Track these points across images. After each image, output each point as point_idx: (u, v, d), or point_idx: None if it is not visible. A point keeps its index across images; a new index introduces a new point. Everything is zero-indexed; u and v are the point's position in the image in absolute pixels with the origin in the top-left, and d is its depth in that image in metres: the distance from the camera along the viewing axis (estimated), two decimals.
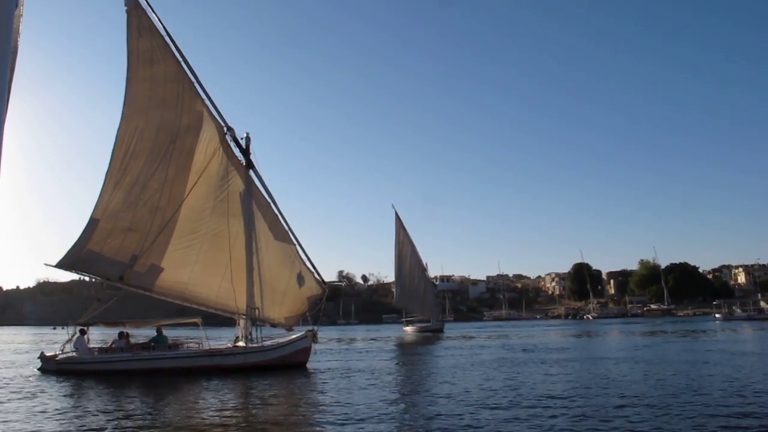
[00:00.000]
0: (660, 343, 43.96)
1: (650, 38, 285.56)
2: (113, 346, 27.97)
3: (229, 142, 29.04)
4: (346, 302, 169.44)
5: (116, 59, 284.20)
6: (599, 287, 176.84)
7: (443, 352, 40.03)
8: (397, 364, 32.59)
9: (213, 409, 17.27)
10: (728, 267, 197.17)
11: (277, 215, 29.99)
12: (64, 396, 20.21)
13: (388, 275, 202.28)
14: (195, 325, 30.59)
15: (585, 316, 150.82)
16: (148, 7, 27.46)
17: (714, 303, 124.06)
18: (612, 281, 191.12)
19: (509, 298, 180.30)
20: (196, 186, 28.27)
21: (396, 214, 74.56)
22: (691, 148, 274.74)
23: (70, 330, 27.94)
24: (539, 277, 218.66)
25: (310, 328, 29.79)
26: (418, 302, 77.41)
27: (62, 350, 27.87)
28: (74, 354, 27.41)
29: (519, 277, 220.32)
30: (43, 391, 20.96)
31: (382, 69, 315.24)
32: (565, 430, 13.12)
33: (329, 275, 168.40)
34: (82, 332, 27.79)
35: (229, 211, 29.02)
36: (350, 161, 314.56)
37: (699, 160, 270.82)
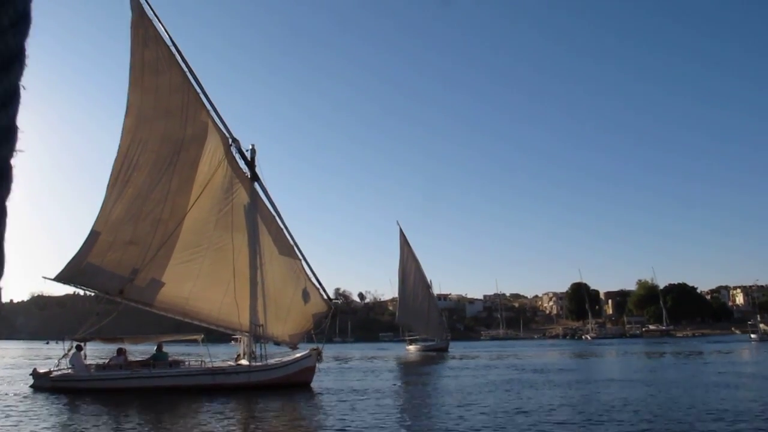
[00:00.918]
0: (682, 364, 43.00)
1: (658, 53, 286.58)
2: (111, 362, 27.03)
3: (234, 153, 28.34)
4: (342, 320, 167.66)
5: (115, 71, 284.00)
6: (597, 307, 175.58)
7: (450, 372, 39.05)
8: (405, 384, 31.72)
9: (215, 431, 16.39)
10: (726, 288, 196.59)
11: (282, 229, 29.23)
12: (59, 415, 19.35)
13: (385, 293, 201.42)
14: (195, 341, 29.75)
15: (583, 336, 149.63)
16: (155, 17, 26.91)
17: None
18: (610, 301, 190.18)
19: (506, 317, 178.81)
20: (200, 198, 27.51)
21: (401, 230, 73.73)
22: (690, 169, 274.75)
23: (65, 345, 27.05)
24: (536, 296, 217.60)
25: (314, 346, 28.95)
26: (422, 320, 75.86)
27: (57, 366, 26.88)
28: (70, 371, 26.45)
29: (516, 296, 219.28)
30: (36, 411, 20.06)
31: (383, 85, 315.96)
32: None
33: None
34: (79, 348, 26.88)
35: (233, 224, 28.24)
36: (348, 178, 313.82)
37: (698, 180, 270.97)
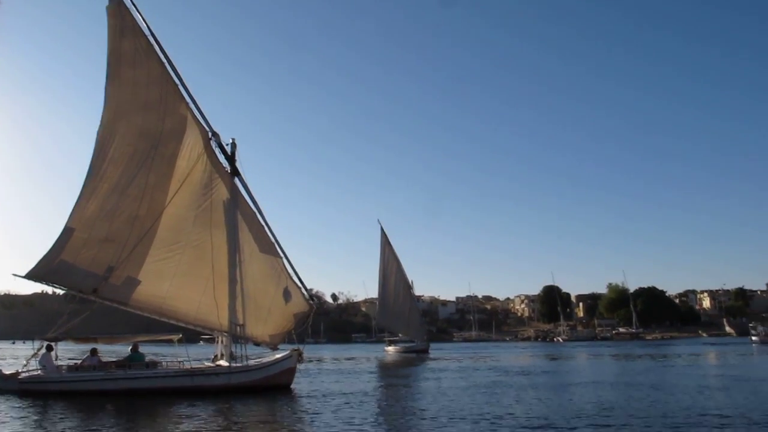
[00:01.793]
0: (657, 368, 43.02)
1: (635, 59, 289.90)
2: (84, 363, 25.88)
3: (213, 148, 27.43)
4: (315, 321, 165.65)
5: (87, 66, 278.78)
6: (568, 310, 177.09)
7: (432, 374, 38.45)
8: (388, 387, 31.01)
9: None
10: (694, 292, 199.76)
11: (263, 226, 28.37)
12: (27, 419, 18.27)
13: (358, 294, 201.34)
14: (171, 341, 28.80)
15: (555, 339, 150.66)
16: (132, 6, 25.99)
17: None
18: (581, 304, 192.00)
19: (479, 319, 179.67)
20: (178, 194, 26.61)
21: (382, 230, 72.94)
22: (660, 173, 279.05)
23: (35, 345, 25.94)
24: (508, 298, 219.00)
25: (295, 347, 28.21)
26: (403, 321, 74.93)
27: (25, 367, 25.67)
28: (39, 372, 25.30)
29: (488, 298, 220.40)
30: (2, 415, 18.96)
31: (359, 86, 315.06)
32: None
33: None
34: (49, 348, 25.67)
35: (212, 221, 27.37)
36: (321, 180, 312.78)
37: (668, 185, 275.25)
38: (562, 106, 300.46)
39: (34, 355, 25.43)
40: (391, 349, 79.80)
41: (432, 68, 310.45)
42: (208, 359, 28.92)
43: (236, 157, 27.99)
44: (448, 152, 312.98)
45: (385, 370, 46.37)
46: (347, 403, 22.25)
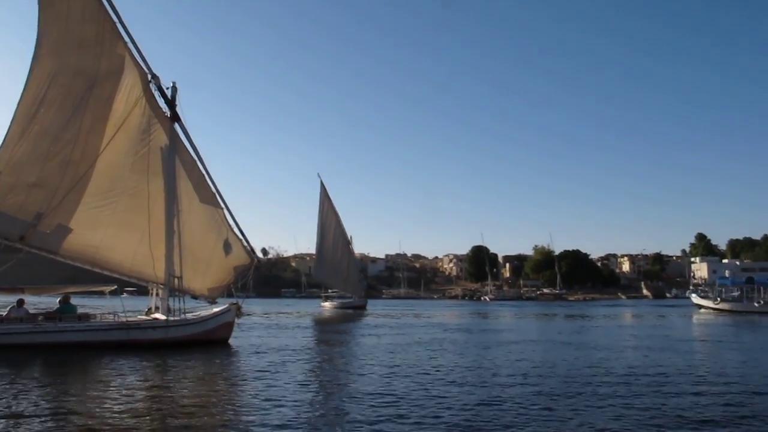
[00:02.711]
0: (590, 328, 44.33)
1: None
2: (10, 315, 24.48)
3: (153, 91, 26.05)
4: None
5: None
6: (495, 270, 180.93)
7: (371, 330, 38.45)
8: (326, 342, 30.82)
9: (126, 391, 14.98)
10: (615, 256, 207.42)
11: (203, 175, 27.39)
12: None
13: (288, 249, 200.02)
14: (101, 293, 27.67)
15: (482, 298, 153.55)
16: None
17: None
18: (508, 265, 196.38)
19: (408, 277, 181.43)
20: (114, 139, 25.17)
21: (321, 183, 71.20)
22: (586, 138, 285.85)
23: None
24: (437, 257, 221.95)
25: (233, 300, 27.60)
26: (340, 277, 73.82)
27: None
28: None
29: (417, 257, 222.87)
30: None
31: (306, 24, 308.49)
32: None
33: None
34: None
35: (150, 168, 26.12)
36: (250, 133, 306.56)
37: (593, 150, 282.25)
38: (497, 73, 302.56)
39: None
40: (327, 304, 78.90)
41: (367, 31, 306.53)
42: (139, 312, 27.86)
43: (177, 102, 26.76)
44: (380, 109, 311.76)
45: (323, 325, 46.17)
46: (288, 358, 21.92)
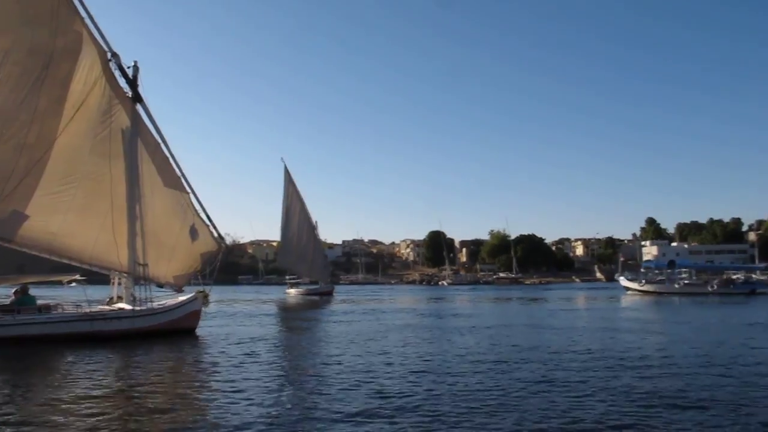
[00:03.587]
0: (555, 311, 44.55)
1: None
2: None
3: (113, 70, 24.78)
4: None
5: None
6: (452, 255, 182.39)
7: (339, 317, 37.70)
8: (297, 330, 30.10)
9: (92, 385, 14.11)
10: (568, 240, 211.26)
11: (167, 158, 26.27)
12: None
13: (245, 236, 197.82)
14: (59, 283, 26.47)
15: (440, 283, 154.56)
16: None
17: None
18: (464, 249, 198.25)
19: (365, 262, 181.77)
20: (73, 121, 23.79)
21: (285, 168, 69.79)
22: (540, 121, 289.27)
23: None
24: (394, 243, 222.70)
25: (200, 289, 26.72)
26: (305, 263, 72.61)
27: None
28: None
29: (374, 242, 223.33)
30: None
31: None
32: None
33: None
34: None
35: (111, 151, 24.85)
36: (210, 119, 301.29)
37: (546, 134, 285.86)
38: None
39: None
40: (293, 291, 77.76)
41: (339, 19, 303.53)
42: (99, 302, 26.65)
43: (139, 82, 25.56)
44: (340, 90, 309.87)
45: (290, 312, 45.33)
46: (258, 348, 21.14)
